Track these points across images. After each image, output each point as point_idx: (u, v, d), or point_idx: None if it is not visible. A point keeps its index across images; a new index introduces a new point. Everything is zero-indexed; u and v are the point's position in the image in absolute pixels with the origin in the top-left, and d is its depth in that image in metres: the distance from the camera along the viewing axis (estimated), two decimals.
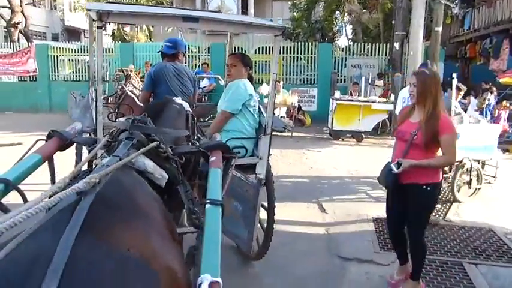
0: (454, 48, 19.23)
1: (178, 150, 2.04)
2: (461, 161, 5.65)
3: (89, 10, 2.92)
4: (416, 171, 3.15)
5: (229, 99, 3.73)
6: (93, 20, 3.12)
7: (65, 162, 3.13)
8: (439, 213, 5.35)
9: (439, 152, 3.18)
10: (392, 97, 11.21)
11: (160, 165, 1.82)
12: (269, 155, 3.62)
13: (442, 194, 6.07)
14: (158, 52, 4.32)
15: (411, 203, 3.25)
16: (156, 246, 1.20)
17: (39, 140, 2.12)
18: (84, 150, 2.48)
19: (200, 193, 2.41)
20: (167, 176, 1.81)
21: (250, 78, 3.93)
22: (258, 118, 3.84)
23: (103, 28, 2.80)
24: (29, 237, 0.97)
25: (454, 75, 5.81)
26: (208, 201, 1.55)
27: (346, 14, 22.75)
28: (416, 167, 3.12)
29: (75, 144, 2.28)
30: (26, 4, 21.10)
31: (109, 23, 2.95)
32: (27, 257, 0.91)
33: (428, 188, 3.16)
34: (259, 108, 3.88)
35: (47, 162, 1.99)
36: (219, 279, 1.12)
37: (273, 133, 3.60)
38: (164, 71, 4.04)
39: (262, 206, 3.73)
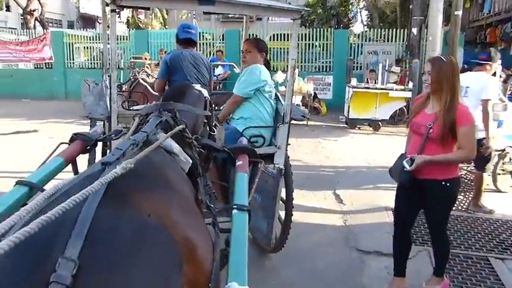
0: (473, 33, 18.76)
1: (203, 142, 2.04)
2: (504, 150, 5.46)
3: None
4: (433, 166, 2.96)
5: (241, 83, 3.67)
6: (107, 4, 3.04)
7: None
8: (462, 204, 5.21)
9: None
10: (411, 84, 10.99)
11: (184, 150, 1.81)
12: (287, 144, 3.54)
13: (463, 184, 5.92)
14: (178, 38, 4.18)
15: (430, 200, 3.08)
16: (177, 217, 1.23)
17: (62, 143, 2.17)
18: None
19: (221, 194, 2.38)
20: (191, 161, 1.79)
21: (267, 64, 3.83)
22: (275, 105, 3.75)
23: (117, 12, 2.73)
24: (55, 201, 1.03)
25: (499, 61, 5.14)
26: (235, 206, 1.55)
27: None
28: (431, 162, 2.94)
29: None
30: None
31: (123, 8, 2.87)
32: (54, 221, 0.93)
33: (448, 184, 2.98)
34: (276, 95, 3.79)
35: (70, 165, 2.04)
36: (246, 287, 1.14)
37: (291, 122, 3.50)
38: (180, 58, 3.94)
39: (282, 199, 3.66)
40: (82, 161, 2.17)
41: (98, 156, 2.44)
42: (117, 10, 2.74)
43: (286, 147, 3.53)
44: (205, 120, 2.43)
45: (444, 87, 2.91)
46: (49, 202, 1.06)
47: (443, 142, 2.92)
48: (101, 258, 0.94)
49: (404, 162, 2.98)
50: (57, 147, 2.08)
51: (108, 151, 3.30)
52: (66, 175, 2.05)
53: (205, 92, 2.61)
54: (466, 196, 5.47)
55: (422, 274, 3.56)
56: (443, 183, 2.97)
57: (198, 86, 2.65)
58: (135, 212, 1.11)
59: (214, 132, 2.49)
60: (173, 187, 1.42)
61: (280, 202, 3.67)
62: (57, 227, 0.94)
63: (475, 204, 5.01)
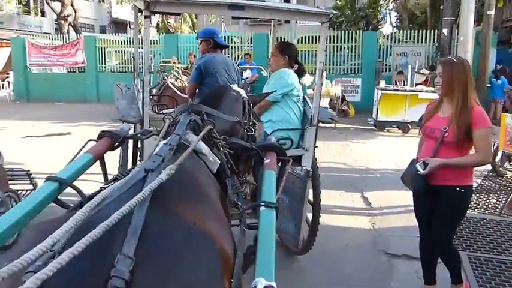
0: (506, 33, 18.21)
1: (231, 141, 2.06)
2: None
3: (136, 0, 2.93)
4: (448, 171, 2.85)
5: (270, 87, 3.71)
6: (140, 11, 3.12)
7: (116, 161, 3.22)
8: (495, 207, 5.09)
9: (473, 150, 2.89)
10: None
11: (212, 151, 1.84)
12: (315, 147, 3.55)
13: (497, 187, 5.79)
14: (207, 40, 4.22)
15: (443, 207, 2.96)
16: (214, 227, 1.29)
17: (91, 140, 2.21)
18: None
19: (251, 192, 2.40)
20: (219, 162, 1.82)
21: (299, 69, 3.87)
22: (302, 108, 3.78)
23: (150, 18, 2.81)
24: (109, 205, 1.15)
25: None
26: (262, 203, 1.55)
27: (391, 0, 22.09)
28: (446, 166, 2.82)
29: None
30: None
31: (154, 14, 2.95)
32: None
33: (462, 190, 2.87)
34: (304, 98, 3.82)
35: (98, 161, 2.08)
36: (273, 284, 1.13)
37: (319, 124, 3.52)
38: (213, 62, 3.99)
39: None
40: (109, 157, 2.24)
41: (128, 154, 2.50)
42: (150, 16, 2.82)
43: (314, 149, 3.53)
44: (245, 120, 2.46)
45: (455, 89, 2.81)
46: (103, 206, 1.14)
47: (459, 146, 2.83)
48: (155, 256, 1.02)
49: (418, 166, 2.87)
50: (85, 144, 2.12)
51: (139, 152, 3.38)
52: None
53: (243, 93, 2.64)
54: (500, 199, 5.34)
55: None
56: (457, 189, 2.87)
57: (235, 87, 2.69)
58: (181, 219, 1.21)
59: (251, 131, 2.50)
60: (206, 194, 1.49)
61: (308, 204, 3.68)
62: (114, 228, 1.01)
63: (510, 207, 4.87)
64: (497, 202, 5.28)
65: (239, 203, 1.81)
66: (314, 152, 3.56)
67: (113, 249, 0.98)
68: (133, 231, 1.03)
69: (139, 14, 3.46)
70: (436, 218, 3.04)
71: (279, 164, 2.19)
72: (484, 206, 5.19)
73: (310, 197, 3.65)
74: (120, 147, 3.03)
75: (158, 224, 1.11)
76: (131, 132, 2.55)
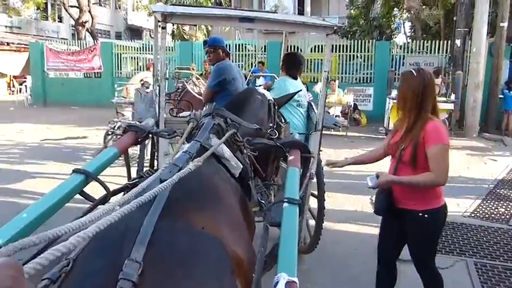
0: None
1: (255, 142, 2.09)
2: None
3: (155, 12, 3.09)
4: (409, 194, 2.64)
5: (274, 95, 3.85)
6: (158, 21, 3.30)
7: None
8: (503, 217, 5.14)
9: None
10: (453, 96, 10.82)
11: (235, 155, 1.87)
12: (319, 150, 3.65)
13: (506, 196, 5.83)
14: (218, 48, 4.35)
15: (409, 233, 2.77)
16: (226, 232, 1.31)
17: (113, 133, 2.28)
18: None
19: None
20: (241, 166, 1.86)
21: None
22: (305, 113, 3.91)
23: (166, 28, 2.96)
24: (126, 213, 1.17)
25: None
26: (286, 199, 1.59)
27: (405, 10, 22.12)
28: (406, 187, 2.63)
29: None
30: (92, 4, 22.16)
31: (172, 23, 3.12)
32: (120, 229, 1.10)
33: (426, 216, 2.61)
34: (310, 104, 3.93)
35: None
36: (295, 279, 1.15)
37: (327, 132, 3.63)
38: (229, 69, 4.13)
39: (312, 194, 3.80)
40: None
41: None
42: (166, 27, 2.97)
43: (319, 152, 3.63)
44: (270, 124, 2.52)
45: (409, 103, 2.60)
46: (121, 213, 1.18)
47: (414, 165, 2.58)
48: (162, 261, 1.07)
49: (368, 179, 2.68)
50: (111, 137, 2.20)
51: (156, 152, 3.52)
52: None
53: (268, 95, 2.69)
54: (508, 209, 5.38)
55: (459, 285, 3.57)
56: (420, 214, 2.62)
57: (261, 89, 2.77)
58: (190, 224, 1.24)
59: (275, 135, 2.48)
60: (220, 199, 1.50)
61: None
62: (124, 234, 1.09)
63: None
64: (506, 211, 5.32)
65: (263, 201, 1.84)
66: (319, 155, 3.65)
67: (122, 254, 1.02)
68: (142, 238, 1.07)
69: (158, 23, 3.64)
70: (409, 246, 2.88)
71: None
72: (493, 215, 5.24)
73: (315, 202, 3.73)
74: (139, 146, 3.16)
75: (166, 230, 1.14)
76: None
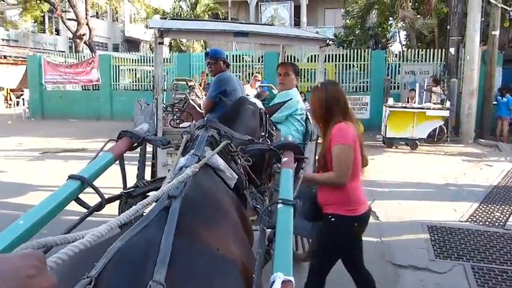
0: None
1: (249, 149, 2.12)
2: None
3: (152, 28, 3.15)
4: (326, 198, 2.65)
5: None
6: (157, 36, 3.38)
7: (135, 160, 3.42)
8: (499, 221, 5.21)
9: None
10: (448, 103, 10.95)
11: (229, 166, 1.89)
12: (315, 159, 3.69)
13: (502, 200, 5.90)
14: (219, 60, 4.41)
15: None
16: (237, 251, 1.33)
17: (111, 140, 2.28)
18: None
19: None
20: (237, 177, 1.88)
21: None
22: (305, 125, 3.97)
23: (163, 43, 3.03)
24: (136, 234, 1.17)
25: None
26: (280, 201, 1.63)
27: (399, 20, 22.34)
28: (310, 181, 2.66)
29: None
30: (90, 16, 22.31)
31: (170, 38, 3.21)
32: (140, 247, 1.11)
33: (333, 219, 2.60)
34: (307, 115, 3.99)
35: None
36: (291, 278, 1.16)
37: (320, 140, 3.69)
38: (229, 80, 4.20)
39: None
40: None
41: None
42: (163, 42, 3.04)
43: (314, 161, 3.67)
44: (262, 133, 2.56)
45: (318, 114, 2.70)
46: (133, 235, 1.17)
47: (326, 168, 2.64)
48: (184, 282, 1.07)
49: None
50: (106, 144, 2.17)
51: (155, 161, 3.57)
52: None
53: (260, 104, 2.72)
54: (504, 213, 5.45)
55: (455, 287, 3.64)
56: (329, 216, 2.62)
57: (253, 99, 2.79)
58: (206, 245, 1.23)
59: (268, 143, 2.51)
60: (226, 215, 1.51)
61: None
62: (145, 253, 1.08)
63: None
64: (502, 215, 5.39)
65: (258, 206, 1.87)
66: (315, 164, 3.67)
67: (145, 276, 1.01)
68: (162, 258, 1.05)
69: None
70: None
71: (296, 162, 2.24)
72: (489, 220, 5.31)
73: None
74: (139, 155, 3.18)
75: (184, 251, 1.13)
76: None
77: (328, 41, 3.14)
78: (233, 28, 3.15)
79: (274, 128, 3.09)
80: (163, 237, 1.13)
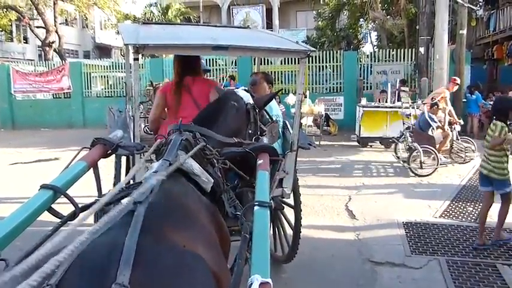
0: (481, 50, 18.98)
1: (224, 152, 2.09)
2: None
3: (127, 45, 3.06)
4: None
5: None
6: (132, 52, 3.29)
7: (110, 168, 3.36)
8: (471, 216, 5.35)
9: None
10: (419, 102, 11.17)
11: (205, 169, 1.86)
12: (295, 169, 3.65)
13: (473, 197, 6.05)
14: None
15: None
16: (204, 251, 1.32)
17: (85, 148, 2.24)
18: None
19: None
20: (213, 180, 1.86)
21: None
22: (281, 131, 3.89)
23: (138, 60, 2.95)
24: (100, 235, 1.15)
25: None
26: (256, 203, 1.63)
27: (370, 21, 22.71)
28: None
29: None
30: (59, 24, 21.90)
31: (143, 55, 3.12)
32: (102, 251, 1.09)
33: None
34: (284, 123, 3.94)
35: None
36: (269, 280, 1.16)
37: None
38: None
39: (289, 204, 3.80)
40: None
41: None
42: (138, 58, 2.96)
43: (295, 172, 3.60)
44: (249, 131, 2.51)
45: None
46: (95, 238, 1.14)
47: None
48: (149, 282, 1.07)
49: None
50: (79, 152, 2.13)
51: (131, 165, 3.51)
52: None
53: (247, 98, 2.63)
54: (475, 208, 5.59)
55: (433, 284, 3.72)
56: None
57: (241, 92, 2.69)
58: (171, 243, 1.22)
59: (258, 140, 2.49)
60: (194, 218, 1.49)
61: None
62: (107, 256, 1.07)
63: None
64: (473, 210, 5.53)
65: (238, 213, 1.83)
66: (296, 174, 3.62)
67: (108, 279, 0.99)
68: (126, 259, 1.04)
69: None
70: None
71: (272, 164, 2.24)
72: (462, 214, 5.44)
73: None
74: (114, 161, 3.09)
75: (149, 250, 1.12)
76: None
77: (309, 52, 3.07)
78: (212, 41, 3.07)
79: (270, 120, 2.99)
80: (127, 238, 1.12)
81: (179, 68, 3.53)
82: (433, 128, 8.22)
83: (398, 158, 8.84)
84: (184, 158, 1.72)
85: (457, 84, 9.35)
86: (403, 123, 9.05)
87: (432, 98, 8.90)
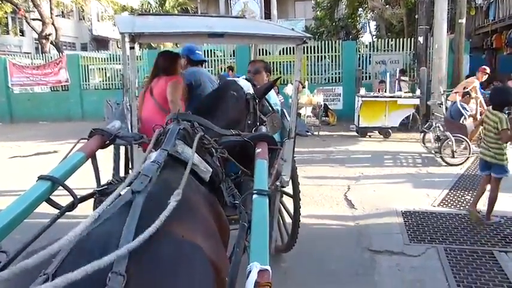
0: (479, 40, 18.91)
1: (222, 141, 2.10)
2: None
3: (122, 34, 3.04)
4: None
5: None
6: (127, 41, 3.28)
7: (109, 158, 3.36)
8: (468, 204, 5.37)
9: None
10: (418, 91, 11.18)
11: (204, 159, 1.87)
12: (293, 157, 3.67)
13: (471, 185, 6.07)
14: (184, 57, 4.35)
15: None
16: (201, 237, 1.33)
17: (83, 138, 2.23)
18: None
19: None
20: (211, 170, 1.87)
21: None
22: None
23: (134, 48, 2.93)
24: (98, 225, 1.17)
25: None
26: (255, 191, 1.63)
27: (369, 10, 22.63)
28: None
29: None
30: (56, 16, 21.75)
31: (140, 45, 3.11)
32: (99, 241, 1.10)
33: None
34: (282, 111, 3.96)
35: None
36: (267, 267, 1.17)
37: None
38: (197, 74, 4.14)
39: (288, 194, 3.82)
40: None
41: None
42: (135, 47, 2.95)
43: (293, 159, 3.62)
44: (249, 121, 2.51)
45: None
46: (92, 229, 1.15)
47: None
48: (147, 271, 1.07)
49: None
50: (77, 143, 2.12)
51: (130, 157, 3.51)
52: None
53: (247, 88, 2.62)
54: (473, 196, 5.59)
55: (431, 271, 3.75)
56: None
57: (241, 82, 2.68)
58: (169, 233, 1.21)
59: (257, 125, 2.49)
60: (193, 209, 1.49)
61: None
62: (104, 246, 1.07)
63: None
64: (471, 199, 5.54)
65: (236, 202, 1.84)
66: (294, 162, 3.64)
67: (105, 268, 0.98)
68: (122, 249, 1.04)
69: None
70: None
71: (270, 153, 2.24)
72: (460, 203, 5.47)
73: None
74: (113, 152, 3.08)
75: (147, 239, 1.11)
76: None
77: (305, 39, 3.06)
78: (207, 29, 3.06)
79: (271, 110, 2.99)
80: (125, 228, 1.13)
81: (154, 69, 3.62)
82: (465, 117, 8.19)
83: (427, 148, 8.88)
84: (187, 151, 1.73)
85: (487, 73, 9.34)
86: (432, 114, 9.05)
87: (464, 88, 8.85)
